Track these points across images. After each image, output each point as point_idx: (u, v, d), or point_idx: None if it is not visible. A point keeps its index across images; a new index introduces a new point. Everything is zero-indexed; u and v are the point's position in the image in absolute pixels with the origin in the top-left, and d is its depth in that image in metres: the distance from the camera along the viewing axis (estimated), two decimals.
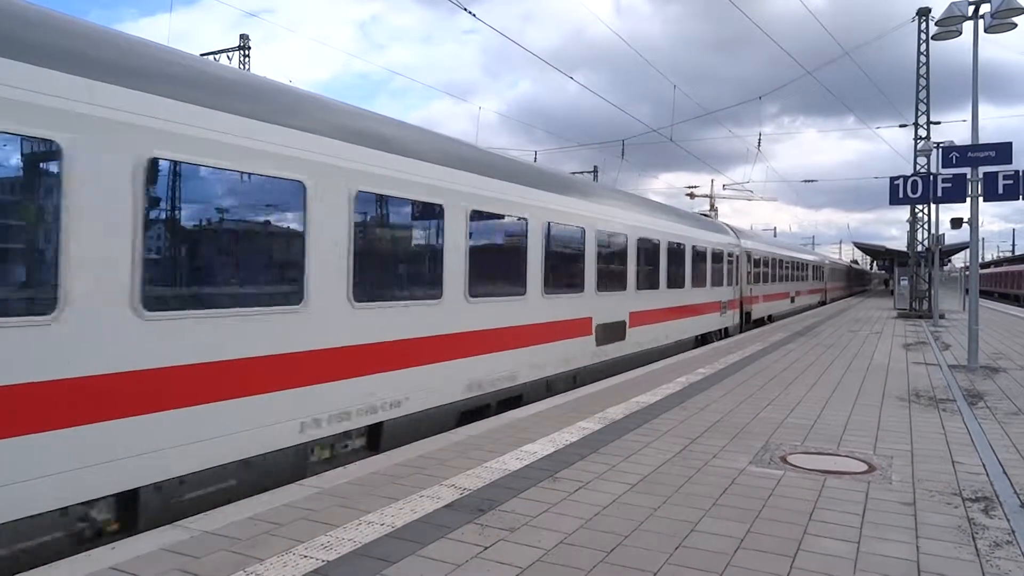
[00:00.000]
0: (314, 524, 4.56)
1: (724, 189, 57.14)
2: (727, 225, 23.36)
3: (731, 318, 20.83)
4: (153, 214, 4.97)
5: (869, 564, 4.02)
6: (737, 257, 21.74)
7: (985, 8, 13.41)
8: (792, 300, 32.63)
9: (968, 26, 13.96)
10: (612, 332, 12.13)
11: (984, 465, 6.19)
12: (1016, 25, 13.10)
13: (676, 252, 15.74)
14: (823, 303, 44.39)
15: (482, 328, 8.55)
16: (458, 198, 8.07)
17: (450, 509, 4.87)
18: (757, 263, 24.93)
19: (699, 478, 5.71)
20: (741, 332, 21.46)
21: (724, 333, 20.23)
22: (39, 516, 4.20)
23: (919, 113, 31.61)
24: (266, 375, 5.59)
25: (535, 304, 9.77)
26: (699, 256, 17.51)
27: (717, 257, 19.21)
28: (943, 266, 34.58)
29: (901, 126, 33.98)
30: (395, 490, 5.28)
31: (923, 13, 30.66)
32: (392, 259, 7.52)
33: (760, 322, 25.34)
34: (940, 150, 14.22)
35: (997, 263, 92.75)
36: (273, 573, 3.81)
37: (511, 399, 9.17)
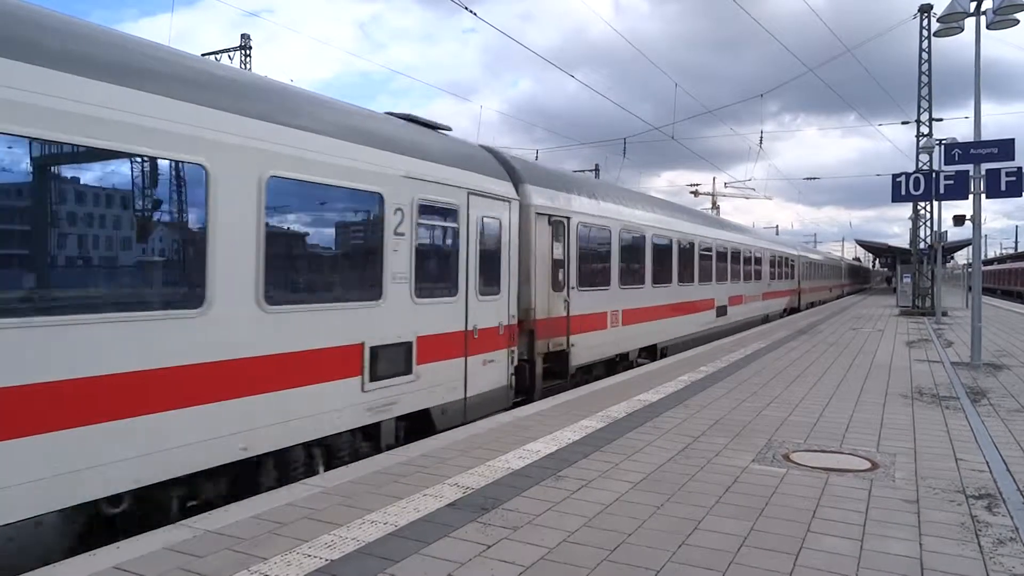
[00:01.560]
0: (317, 523, 4.56)
1: (726, 187, 57.12)
2: (490, 150, 10.38)
3: (455, 379, 8.29)
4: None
5: (872, 562, 4.02)
6: (511, 226, 9.56)
7: (987, 4, 13.39)
8: (721, 312, 19.92)
9: (970, 23, 13.94)
10: None
11: (987, 462, 6.18)
12: (1018, 21, 13.06)
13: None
14: (792, 310, 32.48)
15: None
16: None
17: (453, 508, 4.88)
18: (594, 247, 12.12)
19: (702, 476, 5.71)
20: (529, 400, 9.73)
21: (421, 425, 7.74)
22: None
23: (921, 110, 31.54)
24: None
25: None
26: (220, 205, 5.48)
27: (371, 223, 7.19)
28: (945, 263, 34.49)
29: (903, 123, 33.90)
30: (398, 489, 5.29)
31: (925, 10, 30.62)
32: None
33: (618, 365, 12.88)
34: (942, 147, 14.16)
35: (1000, 260, 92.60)
36: (277, 572, 3.81)
37: None
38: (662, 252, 15.50)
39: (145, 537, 4.32)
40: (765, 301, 26.43)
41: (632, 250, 13.84)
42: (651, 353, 14.69)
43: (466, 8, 12.77)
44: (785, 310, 30.69)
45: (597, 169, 41.42)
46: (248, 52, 31.87)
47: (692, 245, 17.42)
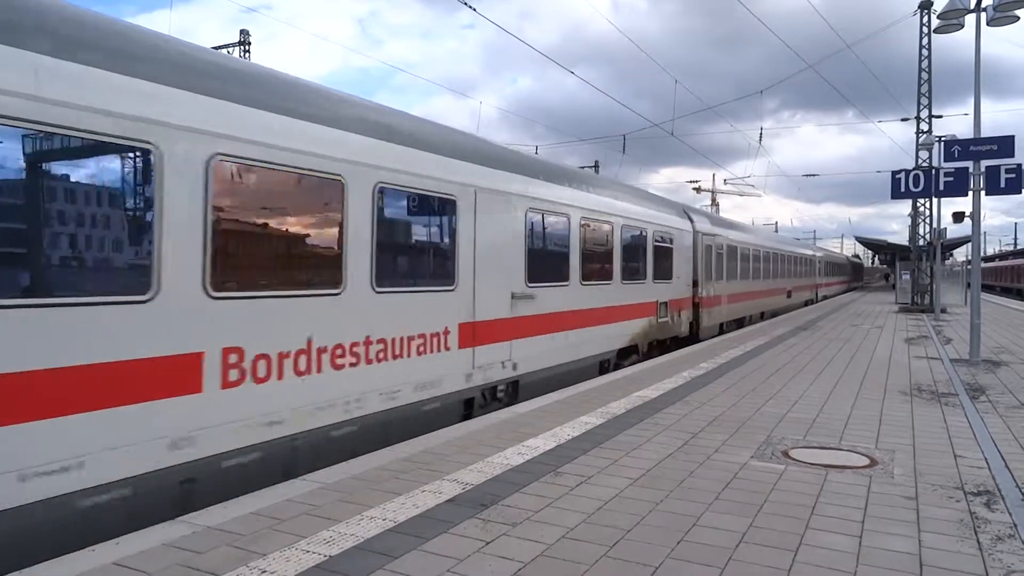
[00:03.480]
0: (316, 519, 4.56)
1: (726, 183, 57.14)
2: None
3: None
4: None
5: (871, 558, 4.02)
6: None
7: (987, 1, 13.36)
8: None
9: (970, 19, 13.92)
10: None
11: (986, 459, 6.19)
12: (1018, 18, 13.05)
13: None
14: (665, 343, 15.27)
15: None
16: None
17: (452, 504, 4.88)
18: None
19: (701, 472, 5.71)
20: None
21: None
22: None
23: (921, 107, 31.51)
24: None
25: None
26: None
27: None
28: (944, 260, 34.48)
29: (903, 120, 33.92)
30: (397, 485, 5.29)
31: (925, 6, 30.60)
32: None
33: None
34: (942, 144, 14.15)
35: (1000, 257, 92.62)
36: (276, 567, 3.81)
37: None
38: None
39: (144, 533, 4.32)
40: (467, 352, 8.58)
41: None
42: None
43: (465, 3, 12.74)
44: (635, 352, 13.77)
45: (597, 165, 41.40)
46: (247, 48, 31.82)
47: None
